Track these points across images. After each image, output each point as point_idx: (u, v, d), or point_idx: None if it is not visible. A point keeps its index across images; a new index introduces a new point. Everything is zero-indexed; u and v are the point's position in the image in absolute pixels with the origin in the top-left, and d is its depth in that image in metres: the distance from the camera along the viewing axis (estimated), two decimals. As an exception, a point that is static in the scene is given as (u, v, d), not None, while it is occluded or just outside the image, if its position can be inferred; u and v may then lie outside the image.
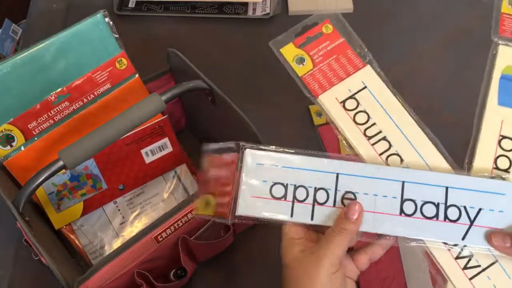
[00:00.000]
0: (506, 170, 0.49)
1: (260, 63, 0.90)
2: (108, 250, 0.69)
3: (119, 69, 0.66)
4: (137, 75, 0.68)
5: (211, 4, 0.95)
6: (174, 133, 0.71)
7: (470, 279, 0.46)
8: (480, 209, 0.46)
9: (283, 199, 0.48)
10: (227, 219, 0.48)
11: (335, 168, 0.48)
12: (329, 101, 0.51)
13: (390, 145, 0.50)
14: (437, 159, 0.50)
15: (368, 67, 0.53)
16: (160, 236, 0.58)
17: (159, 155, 0.71)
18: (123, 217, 0.71)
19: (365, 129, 0.50)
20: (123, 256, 0.56)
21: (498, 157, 0.49)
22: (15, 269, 0.70)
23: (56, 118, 0.64)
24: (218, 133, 0.73)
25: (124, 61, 0.66)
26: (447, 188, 0.47)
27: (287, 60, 0.53)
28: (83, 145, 0.57)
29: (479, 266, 0.46)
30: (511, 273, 0.46)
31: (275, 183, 0.48)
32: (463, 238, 0.46)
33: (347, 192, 0.47)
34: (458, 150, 0.79)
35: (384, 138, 0.50)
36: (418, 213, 0.46)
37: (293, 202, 0.47)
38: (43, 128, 0.63)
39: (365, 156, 0.49)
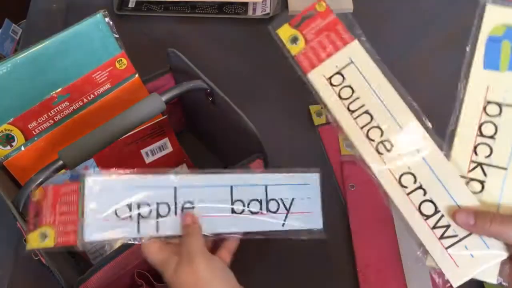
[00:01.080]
0: (492, 137, 0.48)
1: (260, 63, 0.90)
2: (108, 250, 0.69)
3: (119, 69, 0.66)
4: (137, 75, 0.68)
5: (211, 4, 0.95)
6: (174, 133, 0.71)
7: (447, 248, 0.47)
8: (293, 199, 0.54)
9: (129, 218, 0.49)
10: (75, 246, 0.48)
11: (173, 183, 0.51)
12: (317, 78, 0.52)
13: (372, 118, 0.50)
14: (418, 130, 0.51)
15: (356, 41, 0.52)
16: (160, 236, 0.58)
17: (159, 155, 0.71)
18: (123, 217, 0.71)
19: (349, 104, 0.51)
20: (123, 256, 0.56)
21: (482, 123, 0.49)
22: (15, 269, 0.70)
23: (56, 118, 0.64)
24: (218, 133, 0.73)
25: (124, 61, 0.66)
26: (266, 186, 0.54)
27: (283, 40, 0.54)
28: (83, 145, 0.57)
29: (456, 236, 0.47)
30: (489, 243, 0.46)
31: (119, 205, 0.49)
32: (283, 225, 0.53)
33: (185, 202, 0.51)
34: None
35: (366, 112, 0.50)
36: (246, 211, 0.53)
37: (138, 219, 0.50)
38: (43, 128, 0.63)
39: (348, 129, 0.50)
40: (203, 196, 0.52)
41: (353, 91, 0.51)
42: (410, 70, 0.89)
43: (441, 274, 0.47)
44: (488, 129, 0.48)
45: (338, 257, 0.70)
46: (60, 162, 0.56)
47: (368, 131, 0.50)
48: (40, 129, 0.63)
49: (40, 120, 0.63)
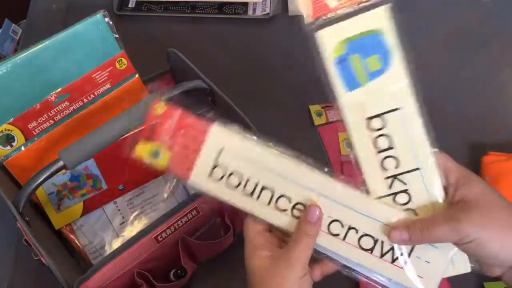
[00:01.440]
0: (390, 148, 0.47)
1: (260, 63, 0.90)
2: (108, 250, 0.69)
3: (119, 69, 0.66)
4: (137, 75, 0.68)
5: (211, 4, 0.95)
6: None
7: (402, 267, 0.47)
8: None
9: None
10: (185, 180, 0.48)
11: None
12: (200, 178, 0.48)
13: (272, 193, 0.48)
14: (318, 178, 0.48)
15: (214, 126, 0.48)
16: (160, 236, 0.58)
17: (159, 155, 0.71)
18: (123, 217, 0.71)
19: (244, 189, 0.48)
20: (123, 256, 0.56)
21: (375, 140, 0.47)
22: (15, 269, 0.70)
23: (56, 118, 0.64)
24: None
25: (124, 61, 0.66)
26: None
27: (146, 161, 0.49)
28: (83, 145, 0.57)
29: (402, 253, 0.47)
30: (428, 184, 0.47)
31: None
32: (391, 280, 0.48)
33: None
34: (458, 149, 0.80)
35: (264, 188, 0.48)
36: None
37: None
38: (43, 128, 0.63)
39: (259, 214, 0.48)
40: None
41: (240, 174, 0.48)
42: (410, 70, 0.89)
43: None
44: (382, 142, 0.47)
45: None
46: (60, 162, 0.56)
47: (276, 203, 0.48)
48: (40, 129, 0.63)
49: (40, 120, 0.63)
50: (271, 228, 0.48)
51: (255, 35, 0.93)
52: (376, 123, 0.47)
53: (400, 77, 0.48)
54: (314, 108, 0.84)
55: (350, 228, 0.47)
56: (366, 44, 0.48)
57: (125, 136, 0.62)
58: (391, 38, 0.48)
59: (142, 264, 0.59)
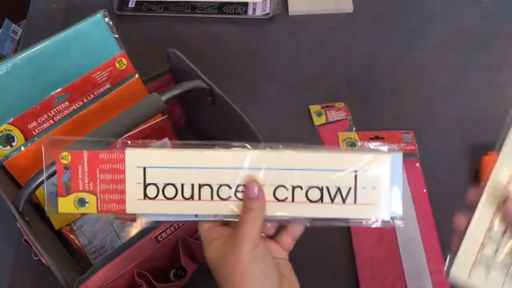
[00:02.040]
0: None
1: (260, 63, 0.90)
2: (108, 250, 0.69)
3: (119, 69, 0.66)
4: (137, 75, 0.68)
5: (211, 4, 0.95)
6: (174, 133, 0.71)
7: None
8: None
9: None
10: (122, 215, 0.47)
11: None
12: (136, 206, 0.47)
13: (211, 187, 0.47)
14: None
15: (128, 151, 0.47)
16: (160, 236, 0.58)
17: (159, 155, 0.71)
18: (123, 217, 0.71)
19: (182, 195, 0.47)
20: (123, 256, 0.56)
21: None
22: (15, 269, 0.70)
23: (56, 118, 0.64)
24: (218, 133, 0.73)
25: (124, 61, 0.66)
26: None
27: (75, 216, 0.50)
28: (83, 145, 0.57)
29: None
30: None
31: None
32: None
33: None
34: (458, 149, 0.80)
35: (200, 186, 0.48)
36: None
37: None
38: (43, 128, 0.63)
39: (206, 211, 0.48)
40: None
41: (173, 183, 0.47)
42: (410, 70, 0.89)
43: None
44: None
45: (338, 257, 0.70)
46: (60, 162, 0.56)
47: (218, 194, 0.47)
48: (40, 129, 0.63)
49: (40, 120, 0.63)
50: (225, 222, 0.48)
51: (255, 35, 0.93)
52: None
53: None
54: (314, 108, 0.84)
55: (294, 187, 0.47)
56: None
57: (125, 135, 0.62)
58: None
59: (142, 264, 0.59)
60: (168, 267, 0.63)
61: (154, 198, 0.47)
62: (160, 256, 0.60)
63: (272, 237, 0.50)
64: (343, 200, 0.47)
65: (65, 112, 0.64)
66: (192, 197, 0.47)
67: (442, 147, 0.80)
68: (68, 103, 0.64)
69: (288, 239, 0.50)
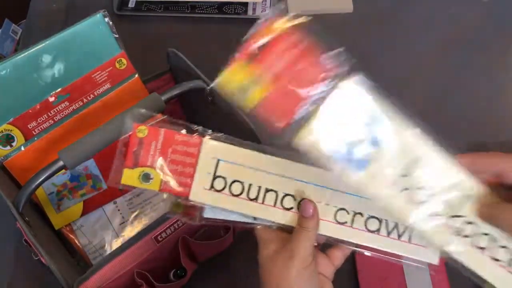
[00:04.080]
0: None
1: (260, 63, 0.90)
2: (108, 250, 0.69)
3: (119, 69, 0.66)
4: (137, 75, 0.68)
5: (211, 4, 0.95)
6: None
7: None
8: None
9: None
10: (182, 198, 0.47)
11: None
12: (200, 193, 0.47)
13: (276, 194, 0.48)
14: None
15: (206, 139, 0.47)
16: (160, 236, 0.58)
17: (159, 155, 0.71)
18: (123, 217, 0.71)
19: (248, 195, 0.48)
20: (123, 256, 0.56)
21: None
22: (15, 269, 0.70)
23: (56, 118, 0.64)
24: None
25: (124, 61, 0.66)
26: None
27: (137, 187, 0.47)
28: (83, 145, 0.57)
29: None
30: None
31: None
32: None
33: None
34: (458, 149, 0.80)
35: (267, 190, 0.48)
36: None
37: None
38: (43, 128, 0.63)
39: (266, 216, 0.48)
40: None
41: (242, 181, 0.48)
42: (410, 70, 0.89)
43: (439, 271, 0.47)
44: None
45: (325, 247, 0.70)
46: (60, 162, 0.56)
47: (282, 202, 0.48)
48: (40, 129, 0.63)
49: (40, 120, 0.63)
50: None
51: (255, 35, 0.93)
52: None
53: None
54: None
55: (355, 213, 0.48)
56: None
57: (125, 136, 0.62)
58: None
59: (142, 264, 0.59)
60: (168, 267, 0.63)
61: (220, 191, 0.47)
62: (160, 256, 0.60)
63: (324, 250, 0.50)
64: (399, 236, 0.47)
65: (65, 112, 0.64)
66: (256, 199, 0.48)
67: (442, 147, 0.80)
68: (68, 103, 0.64)
69: (339, 254, 0.51)
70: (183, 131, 0.48)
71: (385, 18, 0.95)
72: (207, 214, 0.48)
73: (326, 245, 0.50)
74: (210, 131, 0.48)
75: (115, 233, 0.70)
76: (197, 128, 0.48)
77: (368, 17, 0.95)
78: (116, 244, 0.69)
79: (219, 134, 0.48)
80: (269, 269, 0.47)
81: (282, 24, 0.45)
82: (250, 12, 0.95)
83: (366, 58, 0.90)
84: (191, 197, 0.47)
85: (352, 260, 0.69)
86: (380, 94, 0.47)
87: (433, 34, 0.93)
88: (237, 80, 0.45)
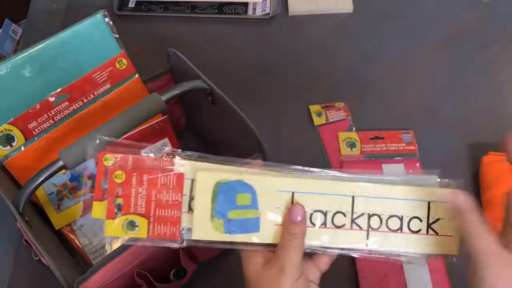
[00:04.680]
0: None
1: (260, 63, 0.90)
2: (108, 250, 0.69)
3: (119, 69, 0.66)
4: (137, 75, 0.68)
5: (211, 4, 0.95)
6: (174, 133, 0.71)
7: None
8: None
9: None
10: (175, 241, 0.45)
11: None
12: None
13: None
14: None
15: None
16: (160, 236, 0.58)
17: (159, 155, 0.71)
18: (123, 217, 0.71)
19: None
20: (123, 256, 0.56)
21: None
22: (15, 269, 0.70)
23: (56, 118, 0.64)
24: (218, 133, 0.73)
25: (124, 61, 0.66)
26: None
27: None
28: (83, 145, 0.57)
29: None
30: None
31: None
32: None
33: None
34: (458, 149, 0.80)
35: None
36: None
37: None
38: (43, 128, 0.63)
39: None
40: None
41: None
42: (410, 70, 0.89)
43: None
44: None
45: (338, 257, 0.70)
46: (60, 162, 0.56)
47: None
48: (40, 129, 0.63)
49: (40, 120, 0.63)
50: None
51: (255, 35, 0.93)
52: None
53: None
54: (314, 108, 0.84)
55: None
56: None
57: (125, 135, 0.62)
58: None
59: (142, 264, 0.59)
60: (168, 267, 0.63)
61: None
62: (160, 256, 0.60)
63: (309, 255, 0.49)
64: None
65: (65, 112, 0.64)
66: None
67: (442, 147, 0.80)
68: (68, 103, 0.64)
69: (325, 259, 0.49)
70: (151, 155, 0.46)
71: (385, 18, 0.95)
72: (196, 235, 0.46)
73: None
74: (179, 151, 0.46)
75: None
76: (166, 149, 0.47)
77: (368, 17, 0.95)
78: (116, 244, 0.69)
79: (189, 153, 0.47)
80: (259, 285, 0.45)
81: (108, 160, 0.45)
82: (250, 12, 0.95)
83: (366, 58, 0.91)
84: (195, 237, 0.46)
85: (352, 260, 0.69)
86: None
87: (433, 34, 0.93)
88: (119, 228, 0.45)
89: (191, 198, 0.46)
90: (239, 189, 0.46)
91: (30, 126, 0.62)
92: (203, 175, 0.46)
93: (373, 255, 0.47)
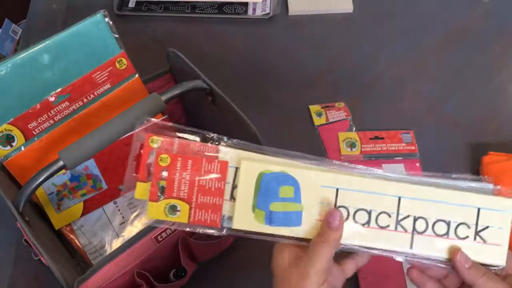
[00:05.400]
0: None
1: (260, 63, 0.90)
2: (108, 250, 0.69)
3: (119, 69, 0.66)
4: (137, 75, 0.68)
5: (211, 4, 0.95)
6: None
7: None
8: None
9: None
10: (216, 229, 0.45)
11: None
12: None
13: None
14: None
15: (220, 147, 0.46)
16: (160, 236, 0.58)
17: (159, 155, 0.71)
18: (123, 217, 0.71)
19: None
20: (123, 256, 0.56)
21: None
22: (15, 269, 0.70)
23: (56, 118, 0.64)
24: (218, 133, 0.73)
25: (124, 61, 0.66)
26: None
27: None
28: (83, 145, 0.57)
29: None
30: None
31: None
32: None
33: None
34: (458, 149, 0.80)
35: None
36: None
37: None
38: (43, 128, 0.63)
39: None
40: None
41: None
42: (410, 70, 0.89)
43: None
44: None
45: (338, 257, 0.70)
46: (60, 162, 0.56)
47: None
48: (40, 129, 0.63)
49: (40, 120, 0.63)
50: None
51: (255, 35, 0.93)
52: None
53: None
54: (314, 108, 0.84)
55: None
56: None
57: (125, 135, 0.62)
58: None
59: (142, 264, 0.59)
60: (168, 267, 0.63)
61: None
62: (160, 256, 0.60)
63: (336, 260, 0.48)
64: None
65: (65, 112, 0.64)
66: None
67: (442, 147, 0.80)
68: (68, 103, 0.64)
69: (352, 266, 0.49)
70: (197, 139, 0.46)
71: (385, 18, 0.95)
72: (237, 225, 0.45)
73: (340, 255, 0.48)
74: (225, 139, 0.47)
75: (115, 233, 0.70)
76: (212, 136, 0.46)
77: (368, 17, 0.95)
78: (116, 244, 0.69)
79: (235, 141, 0.47)
80: (282, 284, 0.45)
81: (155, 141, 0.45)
82: (250, 12, 0.95)
83: (366, 58, 0.91)
84: (236, 226, 0.45)
85: (352, 260, 0.69)
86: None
87: (433, 34, 0.93)
88: (160, 211, 0.45)
89: (234, 187, 0.46)
90: (283, 181, 0.46)
91: (30, 126, 0.62)
92: (247, 165, 0.46)
93: (416, 259, 0.47)
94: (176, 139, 0.45)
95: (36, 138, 0.63)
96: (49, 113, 0.63)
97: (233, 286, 0.69)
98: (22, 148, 0.62)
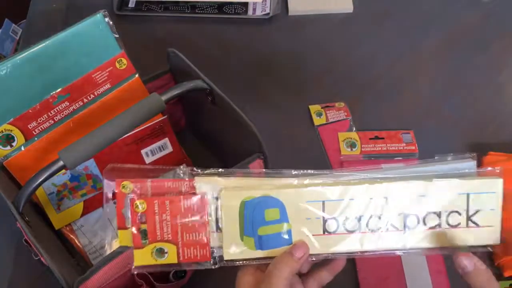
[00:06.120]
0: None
1: (260, 63, 0.90)
2: (108, 250, 0.69)
3: (119, 69, 0.66)
4: (137, 75, 0.68)
5: (211, 4, 0.95)
6: (174, 133, 0.71)
7: None
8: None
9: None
10: (207, 263, 0.45)
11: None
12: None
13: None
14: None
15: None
16: (160, 236, 0.58)
17: (159, 155, 0.71)
18: (123, 217, 0.71)
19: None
20: (123, 256, 0.56)
21: None
22: (15, 269, 0.70)
23: (56, 118, 0.64)
24: (218, 133, 0.73)
25: (124, 61, 0.66)
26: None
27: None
28: (83, 145, 0.57)
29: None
30: None
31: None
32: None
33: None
34: (458, 149, 0.80)
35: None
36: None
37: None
38: (43, 128, 0.63)
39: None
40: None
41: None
42: (410, 70, 0.89)
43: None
44: None
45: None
46: (60, 162, 0.56)
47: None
48: (40, 129, 0.63)
49: (40, 120, 0.63)
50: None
51: (255, 35, 0.93)
52: None
53: None
54: (314, 108, 0.84)
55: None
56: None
57: (125, 135, 0.62)
58: None
59: (142, 264, 0.58)
60: (168, 267, 0.63)
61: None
62: (160, 256, 0.60)
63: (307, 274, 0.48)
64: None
65: (65, 112, 0.64)
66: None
67: (442, 147, 0.80)
68: (68, 103, 0.64)
69: (314, 285, 0.48)
70: (169, 176, 0.44)
71: (385, 18, 0.95)
72: (229, 256, 0.45)
73: (314, 265, 0.49)
74: (198, 170, 0.45)
75: (115, 233, 0.70)
76: (184, 170, 0.45)
77: (368, 17, 0.95)
78: (116, 244, 0.69)
79: (207, 171, 0.45)
80: None
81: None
82: (250, 12, 0.95)
83: (366, 58, 0.91)
84: (226, 257, 0.45)
85: (352, 260, 0.69)
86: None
87: (433, 34, 0.93)
88: (147, 256, 0.44)
89: (218, 217, 0.45)
90: (266, 205, 0.45)
91: (30, 126, 0.62)
92: (227, 195, 0.45)
93: (414, 251, 0.47)
94: (149, 180, 0.44)
95: (36, 138, 0.63)
96: (49, 113, 0.63)
97: (233, 286, 0.69)
98: (22, 148, 0.62)
